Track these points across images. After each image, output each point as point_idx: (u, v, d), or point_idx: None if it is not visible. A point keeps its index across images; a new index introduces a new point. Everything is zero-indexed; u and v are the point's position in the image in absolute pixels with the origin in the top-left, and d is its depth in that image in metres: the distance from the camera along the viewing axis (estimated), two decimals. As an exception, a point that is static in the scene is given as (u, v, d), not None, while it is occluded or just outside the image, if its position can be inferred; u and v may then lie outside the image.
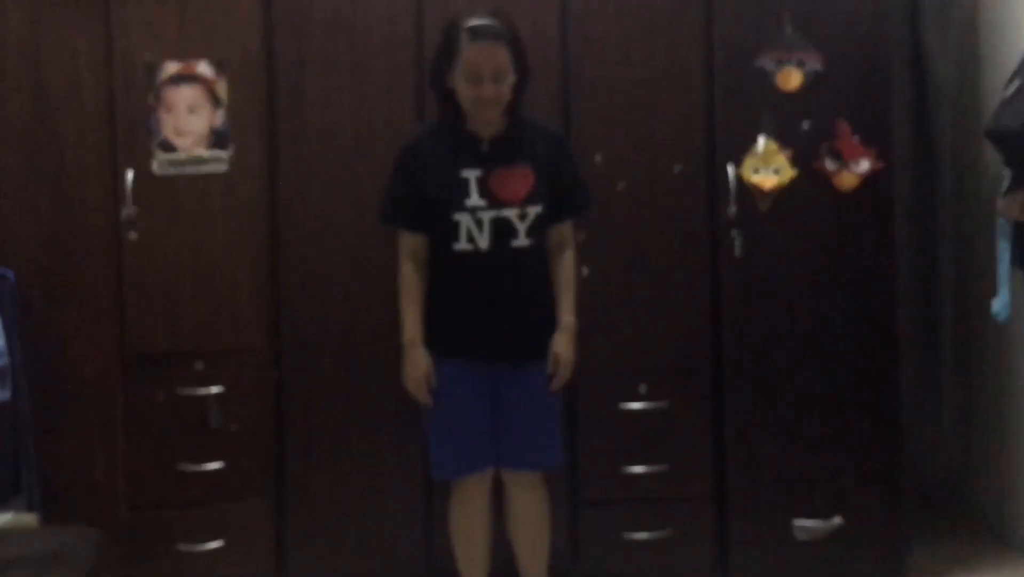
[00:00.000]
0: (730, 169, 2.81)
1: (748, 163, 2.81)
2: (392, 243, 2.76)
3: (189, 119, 2.73)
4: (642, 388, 2.82)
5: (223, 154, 2.75)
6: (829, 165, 2.82)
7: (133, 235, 2.74)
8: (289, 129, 2.78)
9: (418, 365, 2.46)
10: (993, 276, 2.78)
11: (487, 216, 2.41)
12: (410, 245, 2.48)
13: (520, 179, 2.44)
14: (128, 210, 2.72)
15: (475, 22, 2.36)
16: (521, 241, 2.43)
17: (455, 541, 2.57)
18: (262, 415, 2.79)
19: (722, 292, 2.85)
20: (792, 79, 2.80)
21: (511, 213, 2.42)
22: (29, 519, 2.55)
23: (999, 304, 2.65)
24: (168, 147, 2.74)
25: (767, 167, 2.81)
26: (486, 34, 2.35)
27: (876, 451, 2.86)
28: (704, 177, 2.86)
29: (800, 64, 2.80)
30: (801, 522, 2.83)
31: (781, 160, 2.81)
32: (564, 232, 2.53)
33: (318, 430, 2.79)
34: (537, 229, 2.46)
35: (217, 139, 2.74)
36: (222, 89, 2.74)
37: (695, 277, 2.86)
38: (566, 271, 2.52)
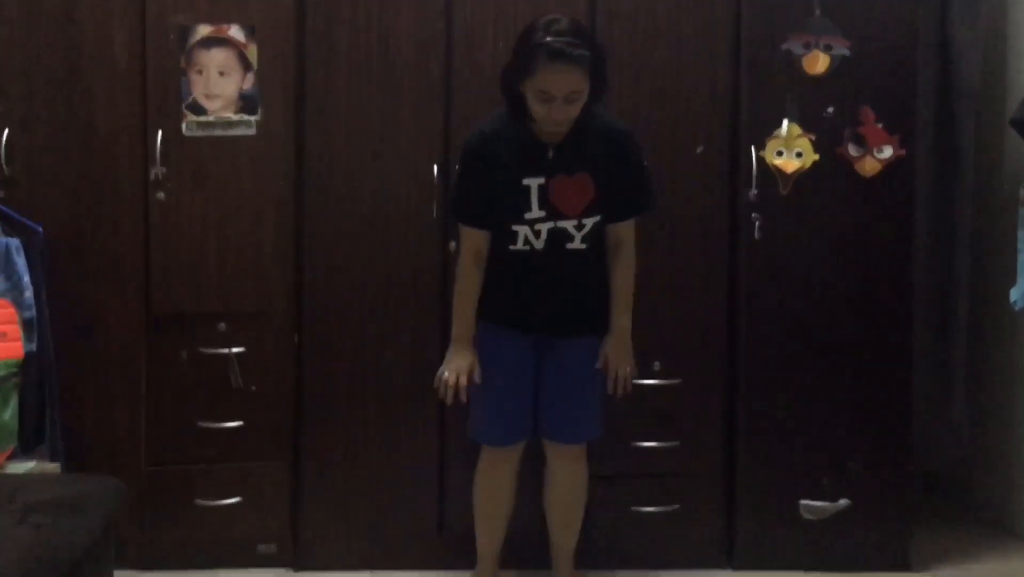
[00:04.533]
0: (753, 151, 2.82)
1: (771, 146, 2.83)
2: (414, 213, 2.82)
3: (219, 82, 2.76)
4: (656, 365, 2.85)
5: (251, 118, 2.78)
6: (852, 151, 2.83)
7: (161, 195, 2.78)
8: (317, 96, 2.80)
9: (464, 357, 2.48)
10: (1011, 267, 2.79)
11: (545, 226, 2.43)
12: (474, 241, 2.49)
13: (580, 191, 2.43)
14: (156, 170, 2.76)
15: (554, 42, 2.26)
16: (576, 245, 2.47)
17: (477, 505, 2.62)
18: (282, 377, 2.83)
19: (739, 273, 2.87)
20: (819, 63, 2.81)
21: (568, 224, 2.44)
22: (52, 468, 2.61)
23: (1017, 293, 2.66)
24: (198, 109, 2.77)
25: (790, 150, 2.82)
26: (564, 57, 2.26)
27: (885, 437, 2.89)
28: (726, 159, 2.87)
29: (827, 48, 2.81)
30: (808, 502, 2.87)
31: (804, 144, 2.82)
32: (621, 232, 2.53)
33: (335, 393, 2.83)
34: (594, 234, 2.48)
35: (246, 103, 2.78)
36: (253, 54, 2.77)
37: (713, 258, 2.88)
38: (622, 274, 2.53)
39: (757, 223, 2.84)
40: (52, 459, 2.67)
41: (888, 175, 2.84)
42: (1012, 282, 2.76)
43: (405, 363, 2.83)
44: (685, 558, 2.91)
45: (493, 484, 2.59)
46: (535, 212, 2.42)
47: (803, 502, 2.87)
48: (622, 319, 2.52)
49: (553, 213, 2.42)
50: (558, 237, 2.45)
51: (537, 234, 2.44)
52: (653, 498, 2.86)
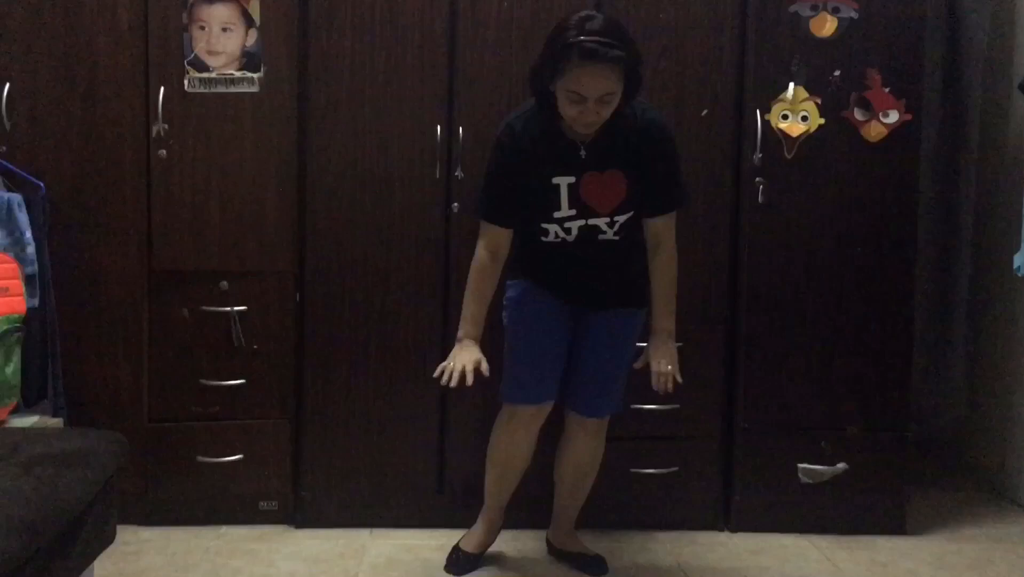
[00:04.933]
0: (758, 114, 2.81)
1: (776, 109, 2.81)
2: (417, 173, 2.81)
3: (222, 38, 2.74)
4: (657, 328, 2.84)
5: (254, 75, 2.76)
6: (858, 115, 2.81)
7: (162, 152, 2.77)
8: (320, 53, 2.78)
9: (471, 353, 2.37)
10: (1015, 232, 2.78)
11: (575, 224, 2.38)
12: (494, 238, 2.41)
13: (612, 188, 2.35)
14: (158, 127, 2.75)
15: (587, 42, 2.15)
16: (609, 237, 2.41)
17: (491, 461, 2.60)
18: (284, 336, 2.84)
19: (742, 238, 2.87)
20: (826, 25, 2.79)
21: (600, 221, 2.38)
22: (54, 423, 2.62)
23: (1021, 259, 2.65)
24: (200, 66, 2.75)
25: (795, 114, 2.81)
26: (597, 57, 2.14)
27: (884, 401, 2.90)
28: (731, 122, 2.86)
29: (835, 11, 2.78)
30: (805, 466, 2.88)
31: (810, 107, 2.80)
32: (659, 228, 2.42)
33: (337, 353, 2.84)
34: (627, 226, 2.42)
35: (249, 60, 2.76)
36: (256, 10, 2.74)
37: (716, 221, 2.87)
38: (663, 275, 2.43)
39: (761, 187, 2.83)
40: (54, 415, 2.68)
41: (894, 140, 2.83)
42: (1015, 247, 2.75)
43: (407, 323, 2.83)
44: (682, 520, 2.93)
45: (513, 443, 2.54)
46: (565, 211, 2.36)
47: (801, 465, 2.89)
48: (665, 321, 2.44)
49: (584, 211, 2.36)
50: (590, 232, 2.40)
51: (568, 231, 2.39)
52: (652, 460, 2.88)
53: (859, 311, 2.88)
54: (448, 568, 2.61)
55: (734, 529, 2.93)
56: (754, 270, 2.87)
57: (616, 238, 2.42)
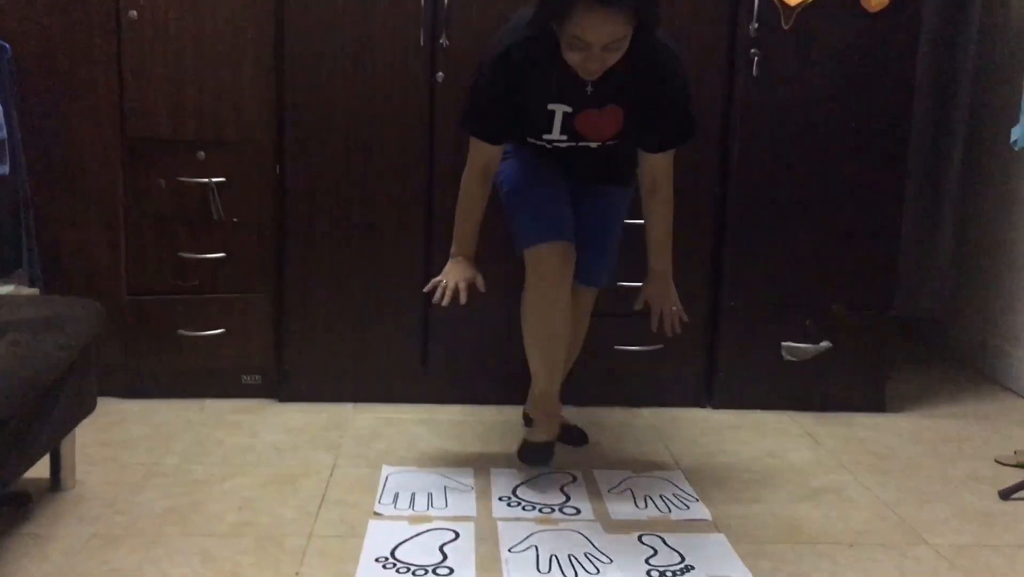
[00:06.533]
0: (755, -19, 2.70)
1: (775, -24, 2.70)
2: (400, 39, 2.70)
3: None
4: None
5: (227, -68, 2.63)
6: (859, -18, 2.71)
7: (133, 14, 2.65)
8: (297, -91, 2.64)
9: (466, 269, 2.28)
10: (1013, 108, 2.72)
11: (563, 145, 2.28)
12: (483, 154, 2.25)
13: (608, 123, 2.22)
14: (128, -14, 2.63)
15: None
16: (597, 149, 2.30)
17: (529, 336, 2.37)
18: (264, 209, 2.78)
19: (733, 111, 2.80)
20: None
21: (589, 143, 2.27)
22: (30, 292, 2.58)
23: (1018, 132, 2.60)
24: (170, -80, 2.61)
25: (794, -19, 2.70)
26: (606, 1, 1.95)
27: (870, 280, 2.88)
28: (727, -10, 2.75)
29: None
30: (789, 344, 2.89)
31: (810, -26, 2.69)
32: (658, 169, 2.28)
33: (319, 228, 2.78)
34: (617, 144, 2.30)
35: (221, -86, 2.61)
36: None
37: (708, 95, 2.78)
38: (661, 218, 2.33)
39: (756, 59, 2.74)
40: (31, 285, 2.64)
41: (895, 10, 2.73)
42: (1014, 121, 2.69)
43: (390, 195, 2.77)
44: (666, 397, 2.95)
45: (548, 303, 2.29)
46: (555, 135, 2.24)
47: (785, 344, 2.89)
48: (661, 262, 2.37)
49: (575, 137, 2.25)
50: (578, 147, 2.30)
51: (555, 146, 2.30)
52: (636, 337, 2.87)
53: (850, 188, 2.84)
54: (520, 457, 2.50)
55: (716, 406, 2.95)
56: (745, 145, 2.81)
57: (603, 149, 2.32)
